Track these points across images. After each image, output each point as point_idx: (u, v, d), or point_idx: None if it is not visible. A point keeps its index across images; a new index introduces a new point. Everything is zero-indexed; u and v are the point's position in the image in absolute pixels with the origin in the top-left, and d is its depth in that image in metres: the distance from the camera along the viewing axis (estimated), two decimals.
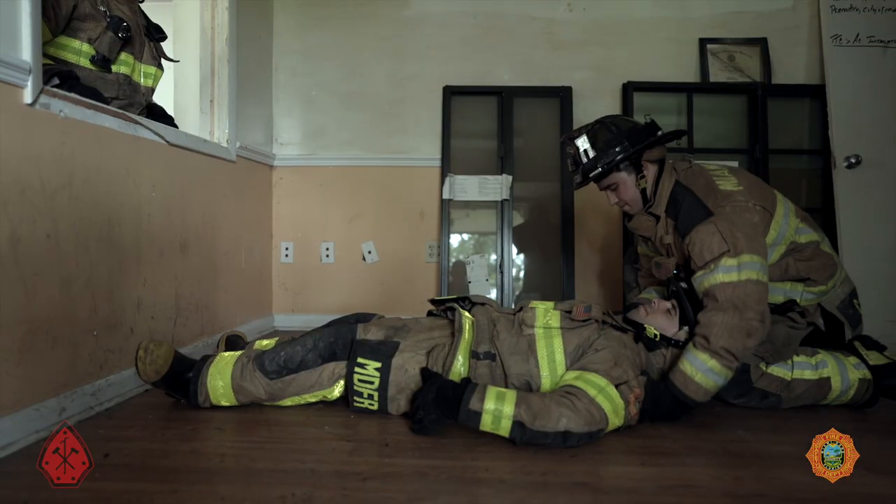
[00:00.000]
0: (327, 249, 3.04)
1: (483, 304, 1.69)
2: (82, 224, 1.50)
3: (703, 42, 2.94)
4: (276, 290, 3.05)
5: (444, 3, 3.01)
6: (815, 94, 2.85)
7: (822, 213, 2.83)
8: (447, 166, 2.94)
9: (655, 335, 1.62)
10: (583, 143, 1.78)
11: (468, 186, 2.94)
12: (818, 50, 2.87)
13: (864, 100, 2.72)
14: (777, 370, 1.67)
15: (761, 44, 2.92)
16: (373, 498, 1.08)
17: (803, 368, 1.67)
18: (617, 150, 1.74)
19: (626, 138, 1.74)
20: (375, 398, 1.51)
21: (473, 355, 1.53)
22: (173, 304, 1.97)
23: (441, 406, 1.35)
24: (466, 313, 1.62)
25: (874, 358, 1.69)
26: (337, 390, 1.57)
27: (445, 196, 2.92)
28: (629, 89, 2.89)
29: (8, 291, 1.26)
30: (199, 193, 2.20)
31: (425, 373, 1.47)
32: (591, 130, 1.78)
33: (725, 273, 1.53)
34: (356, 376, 1.51)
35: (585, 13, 2.98)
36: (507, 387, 1.50)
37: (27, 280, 1.31)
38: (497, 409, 1.31)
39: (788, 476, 1.20)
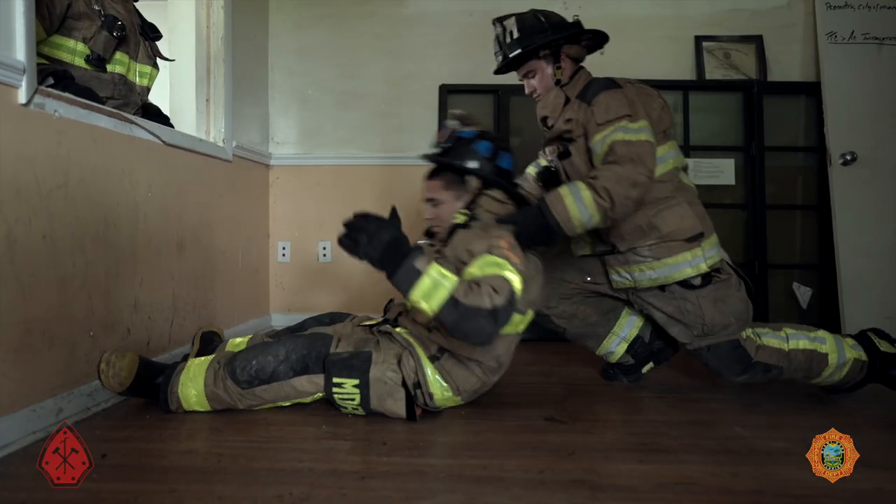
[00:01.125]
0: (324, 248, 3.03)
1: (402, 313, 1.70)
2: (78, 224, 1.50)
3: (698, 40, 2.94)
4: (274, 290, 3.04)
5: (442, 2, 3.00)
6: (810, 91, 2.85)
7: (818, 210, 2.84)
8: None
9: (466, 215, 1.74)
10: (510, 24, 1.80)
11: None
12: (813, 47, 2.88)
13: (860, 97, 2.72)
14: (772, 341, 1.70)
15: (757, 41, 2.92)
16: (371, 497, 1.08)
17: (798, 338, 1.71)
18: (540, 36, 1.78)
19: (550, 28, 1.79)
20: (360, 410, 1.51)
21: (433, 359, 1.54)
22: (170, 304, 1.97)
23: (388, 251, 1.32)
24: (400, 330, 1.62)
25: (885, 347, 1.72)
26: (311, 398, 1.57)
27: None
28: None
29: (4, 292, 1.25)
30: (196, 193, 2.19)
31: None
32: (521, 16, 1.81)
33: (625, 132, 1.62)
34: (336, 396, 1.50)
35: (582, 12, 2.97)
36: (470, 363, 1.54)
37: (23, 280, 1.31)
38: (438, 279, 1.32)
39: (785, 473, 1.21)
